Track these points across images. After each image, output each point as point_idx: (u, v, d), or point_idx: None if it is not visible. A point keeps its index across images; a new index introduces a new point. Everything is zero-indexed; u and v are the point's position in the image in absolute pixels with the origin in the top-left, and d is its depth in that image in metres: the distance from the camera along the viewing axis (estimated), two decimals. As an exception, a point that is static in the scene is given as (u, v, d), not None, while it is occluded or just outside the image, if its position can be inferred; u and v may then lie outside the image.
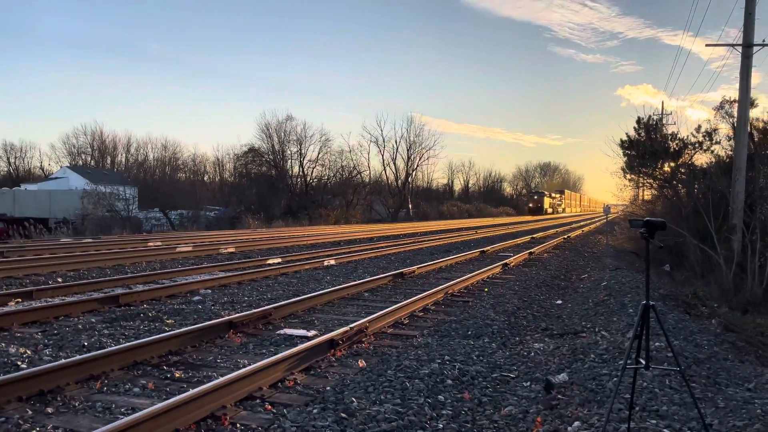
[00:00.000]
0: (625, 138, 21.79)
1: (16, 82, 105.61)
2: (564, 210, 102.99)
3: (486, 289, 10.77)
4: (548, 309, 9.46)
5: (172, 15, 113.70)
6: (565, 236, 27.98)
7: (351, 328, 6.39)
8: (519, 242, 23.10)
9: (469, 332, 7.19)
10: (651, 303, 3.35)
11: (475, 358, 6.02)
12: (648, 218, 3.43)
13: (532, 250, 18.29)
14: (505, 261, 14.59)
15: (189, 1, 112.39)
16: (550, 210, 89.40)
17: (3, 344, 5.96)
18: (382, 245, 20.05)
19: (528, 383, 5.30)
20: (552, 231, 33.35)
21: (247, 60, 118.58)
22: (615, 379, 5.06)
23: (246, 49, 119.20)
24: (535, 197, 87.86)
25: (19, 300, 8.47)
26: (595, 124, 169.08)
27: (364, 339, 6.57)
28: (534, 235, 27.17)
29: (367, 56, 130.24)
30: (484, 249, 18.27)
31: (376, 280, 10.95)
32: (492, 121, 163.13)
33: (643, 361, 3.42)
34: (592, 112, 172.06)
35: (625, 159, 22.56)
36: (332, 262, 14.42)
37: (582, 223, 50.97)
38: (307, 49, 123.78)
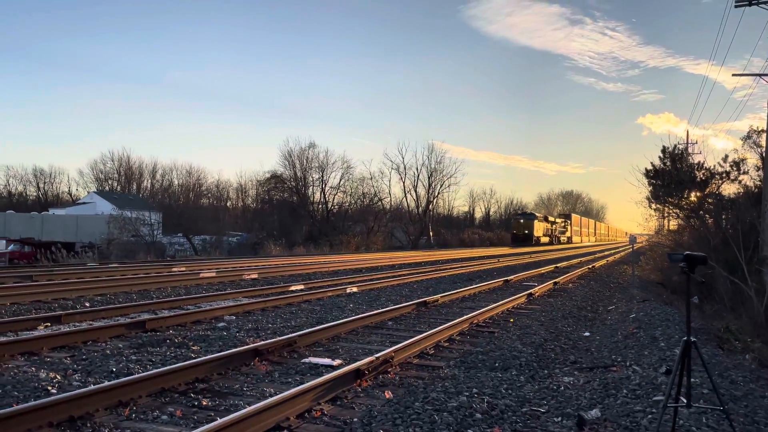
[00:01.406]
0: (650, 167, 21.62)
1: (47, 109, 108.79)
2: (570, 239, 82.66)
3: (512, 320, 10.63)
4: (576, 341, 9.28)
5: (193, 43, 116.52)
6: (590, 266, 27.61)
7: (377, 358, 6.33)
8: (543, 271, 22.83)
9: (497, 364, 7.08)
10: (693, 339, 3.27)
11: (503, 391, 5.90)
12: (688, 252, 3.37)
13: (556, 280, 18.05)
14: (529, 291, 14.41)
15: (209, 29, 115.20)
16: (545, 239, 67.76)
17: (33, 369, 6.01)
18: (404, 273, 19.97)
19: (559, 419, 5.17)
20: (576, 261, 32.95)
21: (269, 86, 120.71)
22: (650, 416, 4.92)
23: (268, 75, 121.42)
24: (521, 221, 63.76)
25: (48, 324, 8.57)
26: (616, 153, 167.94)
27: (389, 369, 6.50)
28: (558, 265, 26.86)
29: (388, 84, 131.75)
30: (508, 278, 18.08)
31: (399, 309, 10.88)
32: (512, 149, 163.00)
33: (684, 399, 3.32)
34: (613, 140, 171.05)
35: (650, 188, 22.35)
36: (355, 289, 14.38)
37: (600, 254, 50.26)
38: (328, 77, 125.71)
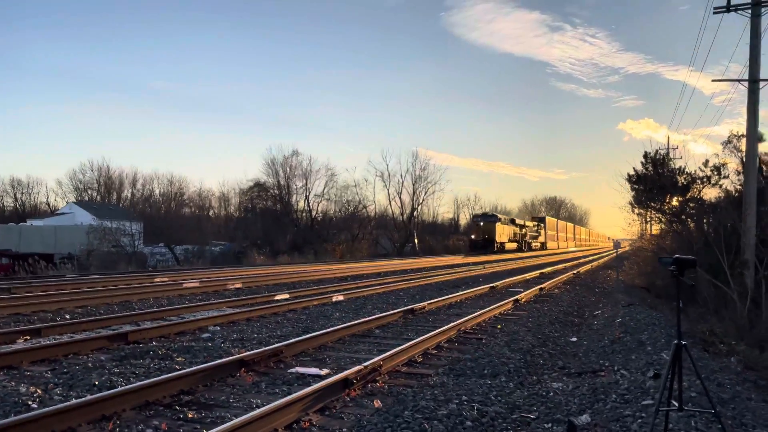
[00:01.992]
0: (632, 172, 21.81)
1: (24, 117, 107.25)
2: (544, 246, 75.34)
3: (499, 326, 10.62)
4: (563, 346, 9.29)
5: (173, 51, 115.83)
6: (575, 271, 27.78)
7: (365, 367, 6.27)
8: (528, 277, 22.91)
9: (485, 371, 7.05)
10: (684, 342, 3.26)
11: (493, 398, 5.87)
12: (678, 256, 3.37)
13: (542, 286, 18.11)
14: (516, 297, 14.43)
15: (189, 37, 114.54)
16: (511, 245, 59.12)
17: (13, 383, 5.86)
18: (390, 280, 19.91)
19: (549, 425, 5.15)
20: (560, 266, 33.15)
21: (252, 95, 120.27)
22: (639, 420, 4.91)
23: (251, 84, 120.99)
24: (480, 224, 54.40)
25: (28, 337, 8.38)
26: (598, 159, 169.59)
27: (378, 378, 6.43)
28: (543, 270, 26.98)
29: (370, 92, 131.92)
30: (494, 284, 18.11)
31: (386, 317, 10.82)
32: (496, 156, 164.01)
33: (676, 403, 3.31)
34: (595, 146, 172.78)
35: (632, 193, 22.54)
36: (340, 297, 14.29)
37: (581, 260, 50.66)
38: (311, 85, 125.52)
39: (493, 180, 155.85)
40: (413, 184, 61.31)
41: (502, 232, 56.58)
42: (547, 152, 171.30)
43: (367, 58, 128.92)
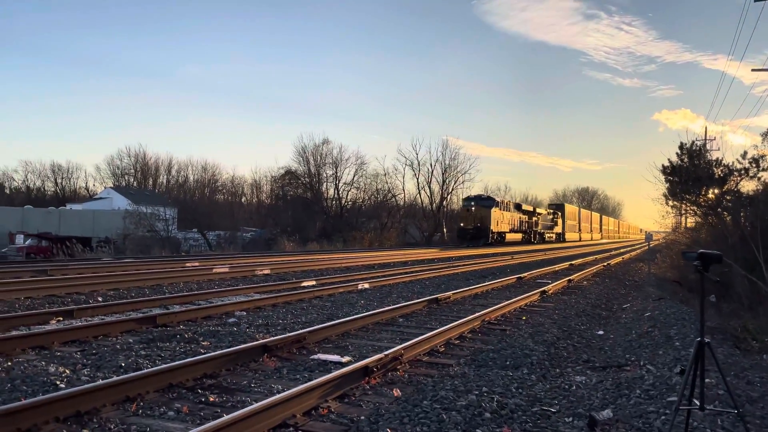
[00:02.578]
0: (666, 164, 21.27)
1: (64, 105, 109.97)
2: (561, 237, 66.96)
3: (524, 318, 10.52)
4: (589, 340, 9.16)
5: (207, 38, 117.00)
6: (605, 263, 27.33)
7: (386, 356, 6.28)
8: (557, 269, 22.63)
9: (508, 362, 6.99)
10: (707, 340, 3.17)
11: (514, 390, 5.82)
12: (702, 250, 3.27)
13: (570, 278, 17.87)
14: (543, 288, 14.27)
15: (223, 24, 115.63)
16: (514, 236, 50.80)
17: (44, 363, 6.04)
18: (417, 269, 19.89)
19: (570, 419, 5.08)
20: (591, 258, 32.66)
21: (283, 83, 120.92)
22: (663, 417, 4.82)
23: (282, 72, 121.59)
24: (471, 208, 45.43)
25: (61, 318, 8.63)
26: (632, 150, 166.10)
27: (399, 367, 6.44)
28: (572, 262, 26.62)
29: (402, 80, 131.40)
30: (521, 275, 17.94)
31: (410, 306, 10.81)
32: (527, 146, 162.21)
33: (698, 402, 3.23)
34: (629, 137, 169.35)
35: (667, 185, 21.99)
36: (366, 285, 14.34)
37: (612, 252, 49.72)
38: (342, 73, 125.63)
39: (523, 170, 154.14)
40: (443, 174, 60.98)
41: (501, 220, 47.67)
42: (580, 142, 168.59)
43: (398, 47, 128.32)
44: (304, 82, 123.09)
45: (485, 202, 46.36)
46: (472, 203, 46.13)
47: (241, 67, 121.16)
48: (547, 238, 61.82)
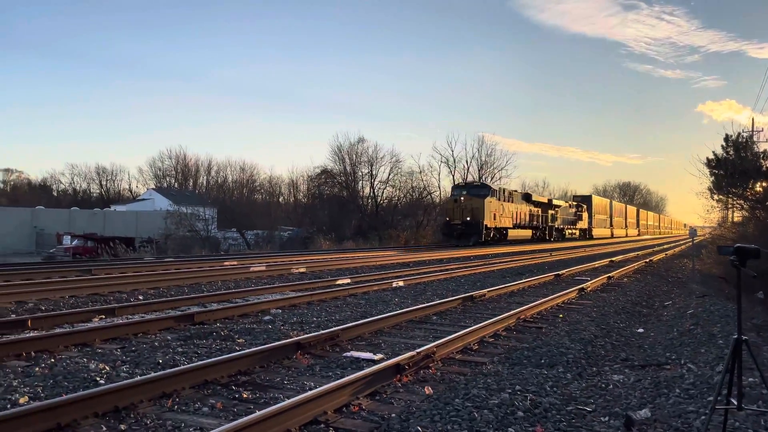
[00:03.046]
0: (711, 157, 20.63)
1: (108, 109, 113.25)
2: (587, 233, 59.46)
3: (561, 315, 10.35)
4: (628, 338, 8.95)
5: (243, 41, 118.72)
6: (647, 260, 26.67)
7: (418, 353, 6.26)
8: (596, 265, 22.19)
9: (542, 361, 6.89)
10: (744, 338, 3.05)
11: (548, 388, 5.73)
12: (739, 245, 3.15)
13: (610, 274, 17.50)
14: (581, 285, 14.01)
15: (257, 26, 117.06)
16: (520, 233, 42.37)
17: (85, 360, 6.23)
18: (452, 267, 19.78)
19: (606, 418, 4.98)
20: (632, 254, 31.92)
21: (319, 83, 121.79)
22: (703, 417, 4.67)
23: (317, 72, 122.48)
24: (461, 198, 36.92)
25: (103, 316, 8.88)
26: (676, 143, 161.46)
27: (431, 364, 6.41)
28: (613, 258, 26.06)
29: (436, 77, 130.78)
30: (559, 272, 17.65)
31: (444, 303, 10.76)
32: (566, 140, 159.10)
33: (735, 401, 3.11)
34: (672, 129, 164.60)
35: (712, 179, 21.33)
36: (401, 283, 14.33)
37: (655, 248, 48.48)
38: (376, 71, 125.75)
39: (562, 165, 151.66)
40: (479, 170, 60.40)
41: (500, 213, 38.32)
42: (621, 136, 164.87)
43: (432, 43, 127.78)
44: (340, 82, 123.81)
45: (478, 190, 37.19)
46: (462, 192, 37.17)
47: (277, 68, 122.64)
48: (568, 235, 53.27)
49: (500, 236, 38.89)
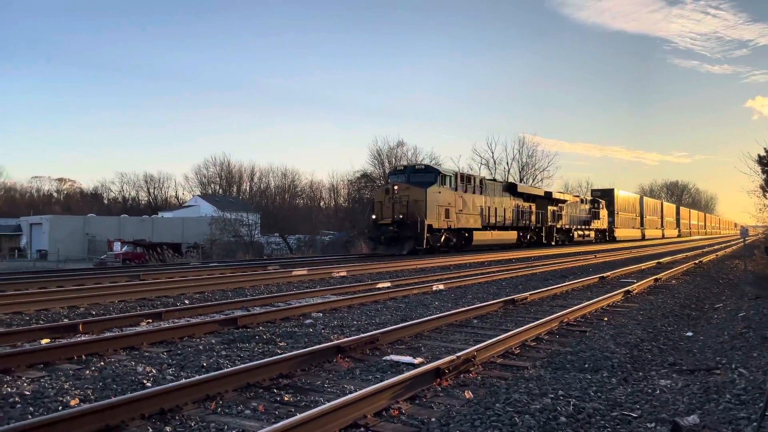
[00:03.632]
0: (763, 153, 19.89)
1: (155, 117, 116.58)
2: (607, 235, 50.37)
3: (605, 318, 10.12)
4: (676, 341, 8.69)
5: (282, 50, 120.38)
6: (696, 261, 25.83)
7: (458, 357, 6.22)
8: (643, 267, 21.62)
9: (586, 365, 6.75)
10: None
11: (592, 393, 5.61)
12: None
13: (657, 276, 17.02)
14: (627, 288, 13.67)
15: (298, 36, 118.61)
16: (506, 236, 32.54)
17: (133, 363, 6.42)
18: (493, 270, 19.58)
19: (652, 424, 4.84)
20: (681, 255, 30.97)
21: (358, 88, 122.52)
22: (755, 424, 4.49)
23: (356, 77, 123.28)
24: (394, 187, 25.34)
25: (150, 321, 9.14)
26: (725, 140, 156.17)
27: (471, 369, 6.36)
28: (660, 260, 25.34)
29: (474, 79, 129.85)
30: (604, 275, 17.26)
31: (485, 307, 10.66)
32: (609, 140, 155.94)
33: (789, 409, 2.98)
34: (720, 126, 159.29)
35: (763, 176, 20.56)
36: (441, 287, 14.27)
37: (705, 249, 46.84)
38: (415, 75, 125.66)
39: (606, 165, 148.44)
40: (520, 171, 59.81)
41: (456, 208, 27.31)
42: (667, 134, 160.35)
43: (470, 45, 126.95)
44: (378, 87, 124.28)
45: (420, 176, 26.40)
46: (398, 178, 26.90)
47: (318, 75, 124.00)
48: (576, 237, 42.87)
49: (460, 241, 28.46)
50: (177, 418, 4.67)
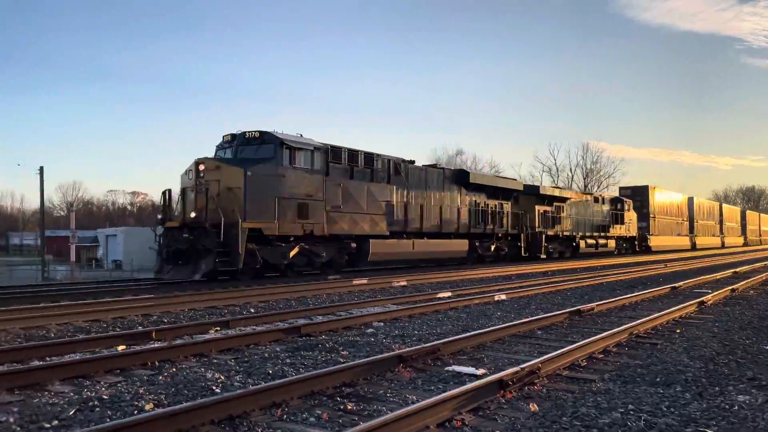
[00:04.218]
0: None
1: (221, 127, 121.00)
2: (642, 243, 41.92)
3: (678, 330, 9.70)
4: (755, 355, 8.21)
5: (340, 57, 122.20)
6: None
7: (522, 369, 6.11)
8: (718, 277, 20.60)
9: (658, 379, 6.49)
10: None
11: (664, 408, 5.39)
12: None
13: (734, 287, 16.17)
14: (701, 299, 13.05)
15: (352, 42, 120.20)
16: (431, 244, 22.80)
17: (202, 369, 6.64)
18: (557, 279, 19.13)
19: (731, 443, 4.60)
20: (759, 264, 29.31)
21: (418, 96, 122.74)
22: None
23: (415, 85, 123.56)
24: (200, 167, 16.19)
25: (218, 328, 9.44)
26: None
27: (536, 381, 6.23)
28: (737, 270, 24.07)
29: (535, 86, 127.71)
30: (675, 285, 16.55)
31: (549, 318, 10.43)
32: (678, 144, 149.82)
33: None
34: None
35: None
36: (503, 297, 14.06)
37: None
38: (474, 82, 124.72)
39: (674, 170, 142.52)
40: (584, 178, 58.41)
41: (327, 203, 18.63)
42: (741, 137, 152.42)
43: (530, 50, 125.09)
44: (438, 94, 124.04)
45: (251, 150, 17.36)
46: (225, 155, 17.75)
47: (377, 83, 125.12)
48: (584, 247, 34.01)
49: (341, 254, 19.78)
50: (245, 424, 4.80)
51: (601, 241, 36.23)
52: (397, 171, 21.84)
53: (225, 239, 15.67)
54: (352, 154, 20.02)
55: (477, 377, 6.31)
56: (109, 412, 5.06)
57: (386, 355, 7.00)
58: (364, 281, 17.28)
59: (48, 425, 4.73)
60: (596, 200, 37.05)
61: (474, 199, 25.70)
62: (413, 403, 5.24)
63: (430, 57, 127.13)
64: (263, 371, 6.61)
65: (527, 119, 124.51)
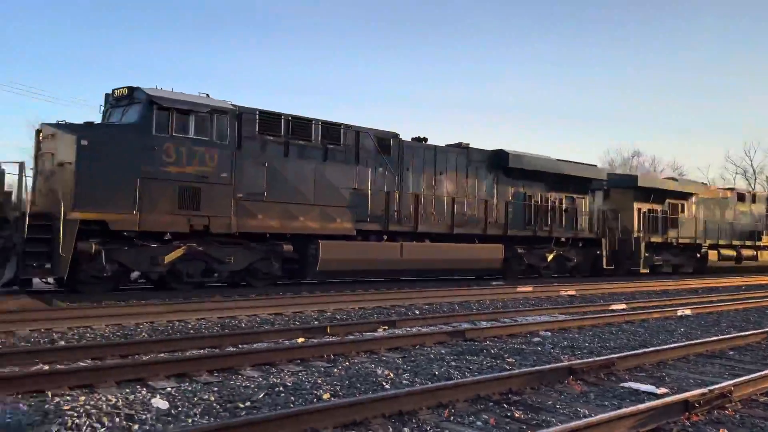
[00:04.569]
0: None
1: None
2: (748, 258, 27.91)
3: None
4: None
5: (481, 59, 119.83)
6: None
7: (710, 391, 5.56)
8: None
9: None
10: None
11: None
12: None
13: None
14: None
15: (496, 44, 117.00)
16: (382, 250, 16.37)
17: (373, 365, 6.97)
18: (754, 295, 17.03)
19: None
20: None
21: (591, 98, 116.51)
22: None
23: (589, 87, 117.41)
24: (41, 138, 12.43)
25: (386, 327, 9.83)
26: None
27: (727, 405, 5.63)
28: None
29: (730, 75, 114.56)
30: None
31: (744, 337, 9.34)
32: None
33: None
34: None
35: None
36: (687, 311, 12.85)
37: None
38: (649, 81, 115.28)
39: None
40: (787, 181, 51.06)
41: (242, 189, 13.75)
42: None
43: (717, 37, 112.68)
44: (612, 96, 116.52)
45: (118, 112, 13.20)
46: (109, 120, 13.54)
47: (549, 84, 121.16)
48: (717, 260, 26.30)
49: (268, 261, 14.69)
50: (413, 421, 4.95)
51: (747, 252, 27.95)
52: (384, 149, 16.75)
53: (39, 235, 11.04)
54: (294, 122, 14.81)
55: (657, 396, 5.86)
56: (292, 398, 5.52)
57: (555, 365, 6.79)
58: (529, 288, 16.85)
59: (242, 405, 5.28)
60: (740, 198, 28.76)
61: (520, 190, 19.99)
62: (585, 417, 5.02)
63: (607, 56, 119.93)
64: (429, 372, 6.75)
65: (718, 117, 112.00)
